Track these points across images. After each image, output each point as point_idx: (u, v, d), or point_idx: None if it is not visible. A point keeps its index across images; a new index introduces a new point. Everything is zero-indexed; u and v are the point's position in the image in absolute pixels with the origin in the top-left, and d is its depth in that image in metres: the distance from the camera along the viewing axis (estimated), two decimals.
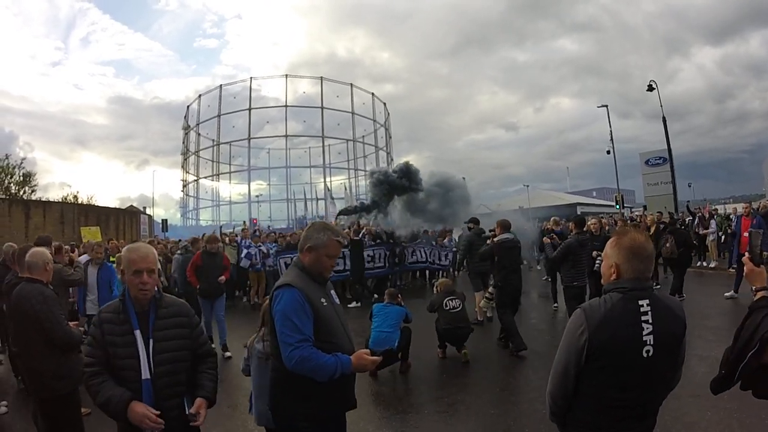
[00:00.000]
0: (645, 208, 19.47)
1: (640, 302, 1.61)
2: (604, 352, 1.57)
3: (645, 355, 1.58)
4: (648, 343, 1.58)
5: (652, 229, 9.60)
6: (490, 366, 5.65)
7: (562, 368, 1.66)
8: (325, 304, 2.12)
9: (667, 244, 8.42)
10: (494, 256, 6.31)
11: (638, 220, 14.79)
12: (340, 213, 18.17)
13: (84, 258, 6.81)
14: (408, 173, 13.58)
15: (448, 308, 5.87)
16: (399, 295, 5.92)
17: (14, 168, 36.45)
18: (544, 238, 7.31)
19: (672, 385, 1.76)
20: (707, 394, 3.84)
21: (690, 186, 47.44)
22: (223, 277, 6.76)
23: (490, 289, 7.22)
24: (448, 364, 5.68)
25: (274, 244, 11.57)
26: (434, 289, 6.81)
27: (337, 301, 2.30)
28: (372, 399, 4.76)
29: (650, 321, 1.59)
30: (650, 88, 19.61)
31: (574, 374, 1.63)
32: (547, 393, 1.76)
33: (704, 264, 12.91)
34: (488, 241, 6.72)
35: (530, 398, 4.45)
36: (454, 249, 12.71)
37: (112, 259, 7.10)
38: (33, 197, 33.91)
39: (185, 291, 7.13)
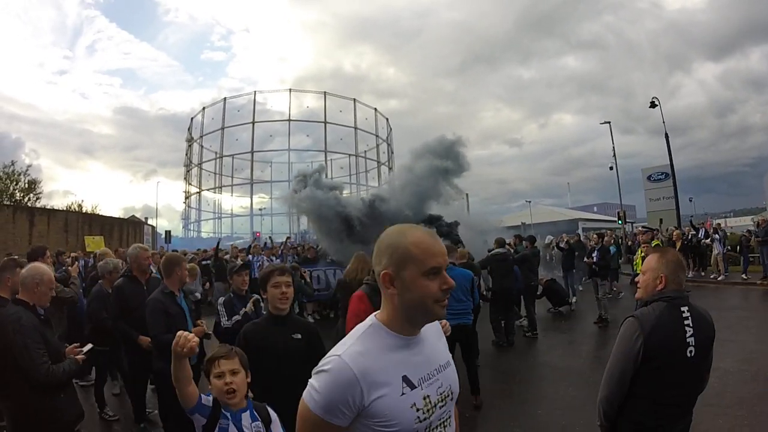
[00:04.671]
0: (661, 221, 19.62)
1: (682, 309, 1.85)
2: (658, 353, 1.77)
3: (689, 355, 1.80)
4: (691, 344, 1.81)
5: (678, 244, 10.59)
6: (508, 379, 5.71)
7: (618, 373, 1.83)
8: None
9: None
10: (488, 266, 7.58)
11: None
12: None
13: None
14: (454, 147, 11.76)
15: None
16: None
17: (20, 175, 36.13)
18: None
19: (704, 386, 1.96)
20: (718, 403, 4.02)
21: (691, 200, 47.61)
22: None
23: (484, 292, 8.00)
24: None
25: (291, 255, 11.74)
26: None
27: None
28: None
29: (691, 325, 1.83)
30: (653, 105, 19.77)
31: (630, 378, 1.81)
32: (601, 399, 1.90)
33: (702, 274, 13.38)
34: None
35: (549, 410, 4.50)
36: None
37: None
38: (38, 205, 33.84)
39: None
